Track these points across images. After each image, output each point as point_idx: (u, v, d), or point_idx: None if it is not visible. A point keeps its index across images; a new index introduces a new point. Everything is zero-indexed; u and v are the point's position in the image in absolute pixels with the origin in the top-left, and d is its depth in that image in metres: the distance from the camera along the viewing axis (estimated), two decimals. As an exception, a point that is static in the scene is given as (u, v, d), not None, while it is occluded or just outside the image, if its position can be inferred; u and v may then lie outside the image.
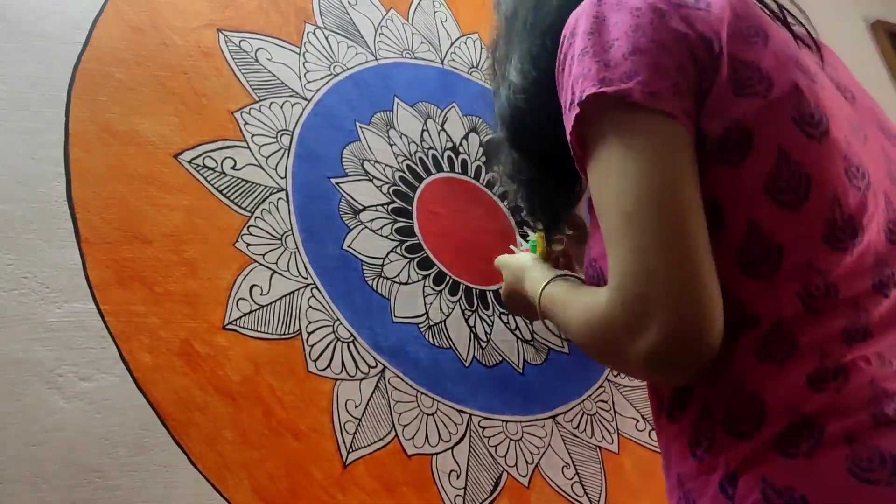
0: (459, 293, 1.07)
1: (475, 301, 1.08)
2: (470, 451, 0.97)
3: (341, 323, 0.95)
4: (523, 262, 0.92)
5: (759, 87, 0.59)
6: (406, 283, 1.03)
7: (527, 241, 1.06)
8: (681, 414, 0.62)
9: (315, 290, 0.95)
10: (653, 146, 0.56)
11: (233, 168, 0.96)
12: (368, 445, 0.91)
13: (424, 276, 1.05)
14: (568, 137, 0.61)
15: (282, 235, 0.96)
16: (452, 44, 1.26)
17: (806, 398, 0.53)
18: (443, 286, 1.06)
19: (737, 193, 0.57)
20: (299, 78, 1.07)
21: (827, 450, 0.50)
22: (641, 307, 0.54)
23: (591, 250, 0.69)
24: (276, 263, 0.94)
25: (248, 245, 0.93)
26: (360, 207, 1.04)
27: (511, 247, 1.09)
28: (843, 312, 0.55)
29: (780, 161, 0.57)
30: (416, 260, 1.06)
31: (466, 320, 1.06)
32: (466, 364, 1.03)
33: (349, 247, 1.01)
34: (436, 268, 1.07)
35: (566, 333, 0.80)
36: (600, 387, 1.13)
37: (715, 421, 0.58)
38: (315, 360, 0.91)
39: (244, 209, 0.94)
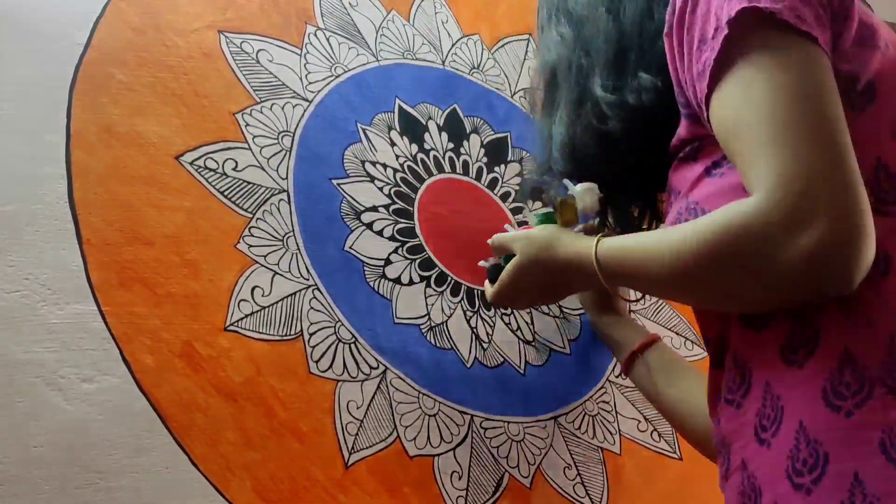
0: (461, 294, 1.07)
1: (476, 302, 1.08)
2: (472, 452, 0.97)
3: (343, 324, 0.95)
4: (550, 232, 0.85)
5: (878, 42, 0.61)
6: (408, 285, 1.03)
7: (535, 217, 0.95)
8: (805, 357, 0.59)
9: (316, 292, 0.95)
10: (804, 64, 0.57)
11: (234, 169, 0.96)
12: (370, 446, 0.90)
13: (426, 278, 1.05)
14: (702, 75, 0.61)
15: (283, 237, 0.96)
16: (454, 45, 1.26)
17: None
18: (444, 287, 1.06)
19: (862, 134, 0.58)
20: (300, 79, 1.07)
21: None
22: (807, 202, 0.53)
23: (691, 195, 0.68)
24: (278, 265, 0.94)
25: (250, 246, 0.93)
26: (362, 209, 1.04)
27: (506, 226, 1.01)
28: None
29: None
30: (418, 261, 1.06)
31: (468, 321, 1.06)
32: (468, 365, 1.03)
33: (350, 248, 1.01)
34: (437, 269, 1.07)
35: (654, 276, 0.68)
36: (602, 388, 1.13)
37: (866, 373, 0.55)
38: (317, 362, 0.91)
39: (245, 210, 0.94)
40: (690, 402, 0.89)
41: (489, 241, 0.97)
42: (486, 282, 0.99)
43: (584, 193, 0.86)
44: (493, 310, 1.09)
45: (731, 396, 0.66)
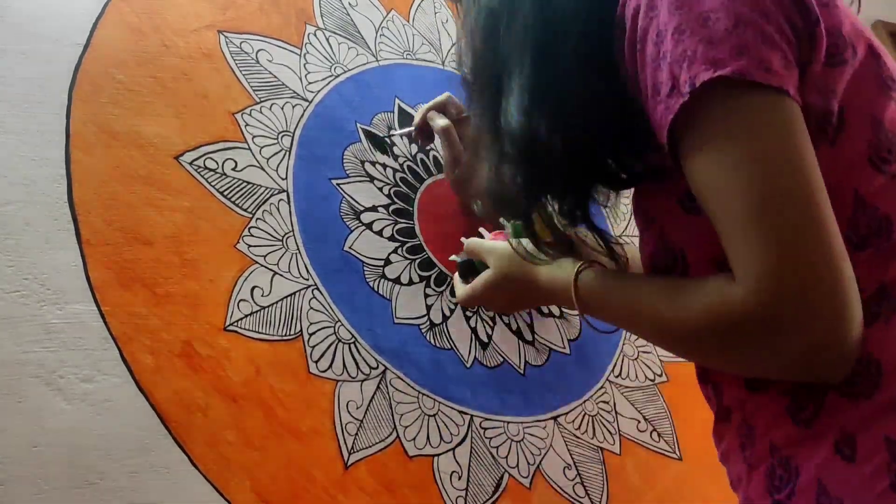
0: (460, 294, 1.07)
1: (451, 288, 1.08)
2: (471, 452, 0.97)
3: (342, 324, 0.95)
4: (523, 250, 0.82)
5: (846, 53, 0.56)
6: (407, 285, 1.03)
7: (511, 226, 0.93)
8: (768, 382, 0.60)
9: (316, 292, 0.95)
10: (778, 127, 0.52)
11: (234, 169, 0.96)
12: (370, 447, 0.90)
13: (425, 278, 1.05)
14: (661, 125, 0.56)
15: (283, 237, 0.96)
16: (453, 45, 1.26)
17: None
18: (444, 287, 1.06)
19: (838, 168, 0.55)
20: (300, 79, 1.07)
21: None
22: (798, 305, 0.50)
23: (667, 230, 0.65)
24: (277, 265, 0.94)
25: (249, 246, 0.93)
26: (361, 209, 1.04)
27: (481, 230, 1.00)
28: None
29: (875, 128, 0.56)
30: (417, 261, 1.06)
31: (467, 321, 1.06)
32: (468, 365, 1.03)
33: (350, 248, 1.01)
34: (437, 269, 1.07)
35: (633, 327, 0.69)
36: (601, 388, 1.13)
37: (822, 385, 0.55)
38: (316, 362, 0.91)
39: (245, 210, 0.94)
40: None
41: (463, 239, 0.96)
42: (456, 275, 0.99)
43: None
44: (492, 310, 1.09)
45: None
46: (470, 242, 0.94)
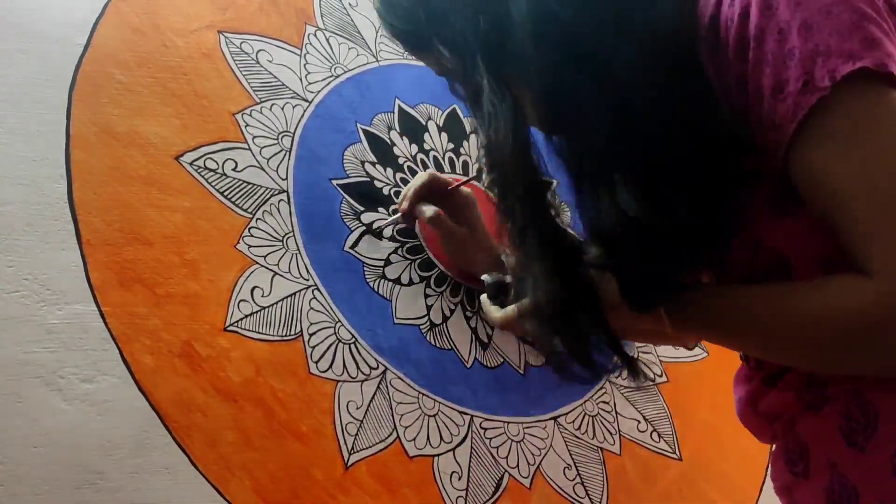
0: (461, 294, 1.07)
1: (476, 303, 1.08)
2: (471, 452, 0.97)
3: (342, 324, 0.95)
4: None
5: None
6: (407, 285, 1.03)
7: None
8: (824, 404, 0.61)
9: (316, 292, 0.95)
10: None
11: (234, 169, 0.96)
12: (370, 447, 0.90)
13: (426, 278, 1.05)
14: (783, 122, 0.54)
15: (283, 237, 0.96)
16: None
17: None
18: (444, 287, 1.06)
19: None
20: (300, 79, 1.07)
21: None
22: None
23: (765, 241, 0.63)
24: (278, 265, 0.94)
25: (250, 247, 0.93)
26: (362, 209, 1.04)
27: (380, 227, 1.00)
28: None
29: None
30: (418, 261, 1.06)
31: (468, 321, 1.06)
32: (468, 365, 1.03)
33: (350, 248, 1.01)
34: (437, 269, 1.07)
35: (738, 338, 0.66)
36: (602, 388, 1.13)
37: (873, 410, 0.57)
38: (316, 362, 0.91)
39: (245, 211, 0.94)
40: None
41: (504, 257, 0.95)
42: (485, 297, 0.94)
43: None
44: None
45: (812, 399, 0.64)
46: (513, 263, 0.87)
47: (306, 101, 1.06)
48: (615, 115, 0.59)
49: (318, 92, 1.08)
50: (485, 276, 0.96)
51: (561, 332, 0.70)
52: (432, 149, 1.16)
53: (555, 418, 1.06)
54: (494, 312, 0.89)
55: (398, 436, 0.93)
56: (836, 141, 0.53)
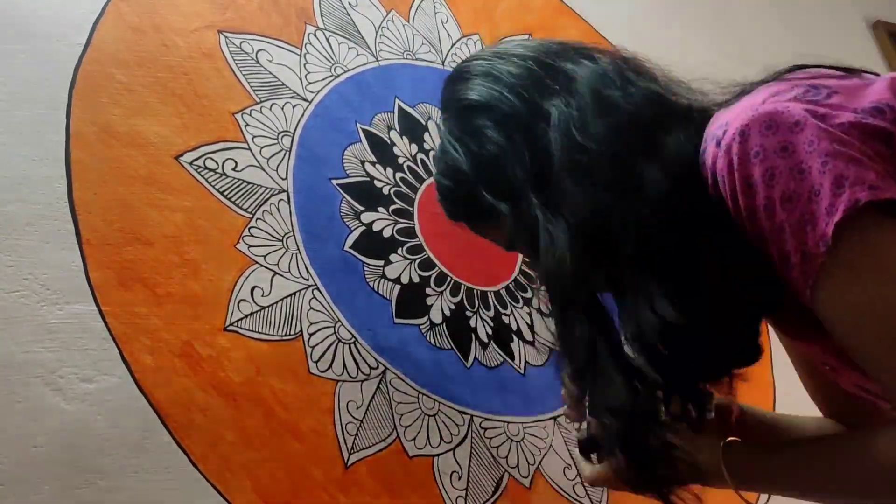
0: (461, 294, 1.07)
1: (476, 302, 1.08)
2: (471, 452, 0.97)
3: (342, 324, 0.95)
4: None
5: None
6: (407, 285, 1.03)
7: None
8: None
9: (316, 292, 0.95)
10: None
11: (234, 169, 0.96)
12: (370, 446, 0.90)
13: (426, 278, 1.05)
14: (802, 288, 0.58)
15: (283, 237, 0.96)
16: (453, 45, 1.26)
17: None
18: (444, 287, 1.06)
19: None
20: (300, 79, 1.07)
21: None
22: None
23: (854, 376, 0.67)
24: (278, 265, 0.94)
25: (250, 246, 0.93)
26: (362, 209, 1.04)
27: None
28: None
29: None
30: (418, 261, 1.06)
31: (467, 321, 1.06)
32: (468, 365, 1.03)
33: (350, 248, 1.01)
34: (437, 269, 1.07)
35: (807, 492, 0.70)
36: (602, 388, 1.13)
37: None
38: (316, 362, 0.91)
39: (245, 210, 0.94)
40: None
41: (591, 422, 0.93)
42: (577, 452, 0.94)
43: None
44: (492, 309, 1.09)
45: None
46: (595, 424, 0.90)
47: (306, 100, 1.06)
48: (649, 230, 0.64)
49: (318, 92, 1.08)
50: (577, 435, 0.96)
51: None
52: (432, 148, 1.16)
53: (555, 418, 1.06)
54: (587, 469, 0.91)
55: (398, 435, 0.93)
56: (845, 290, 0.56)
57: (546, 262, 0.68)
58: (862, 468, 0.61)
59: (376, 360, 0.96)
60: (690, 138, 0.65)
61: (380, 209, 1.06)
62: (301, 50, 1.09)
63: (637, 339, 0.68)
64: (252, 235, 0.93)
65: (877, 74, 0.65)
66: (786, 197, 0.56)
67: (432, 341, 1.01)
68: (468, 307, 1.07)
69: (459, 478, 0.95)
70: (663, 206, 0.64)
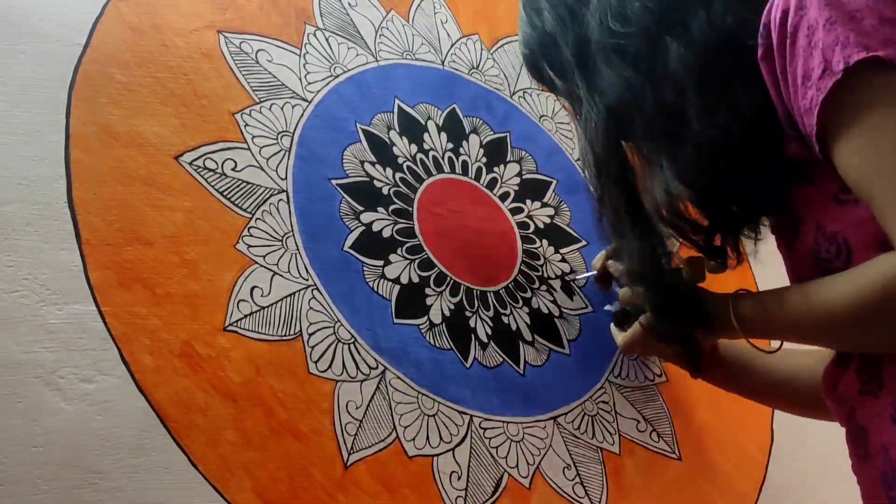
0: (460, 294, 1.07)
1: (476, 302, 1.08)
2: (471, 452, 0.97)
3: (342, 324, 0.95)
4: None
5: None
6: (407, 285, 1.03)
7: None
8: (879, 391, 0.66)
9: (316, 292, 0.95)
10: None
11: (233, 169, 0.96)
12: (369, 447, 0.90)
13: (425, 278, 1.05)
14: (810, 108, 0.61)
15: (282, 237, 0.96)
16: (453, 45, 1.26)
17: None
18: (444, 287, 1.06)
19: None
20: (300, 79, 1.07)
21: None
22: None
23: (825, 223, 0.69)
24: (277, 265, 0.94)
25: (249, 246, 0.93)
26: (361, 209, 1.04)
27: (576, 279, 1.13)
28: None
29: None
30: (417, 261, 1.06)
31: (467, 321, 1.06)
32: (467, 365, 1.03)
33: (350, 248, 1.01)
34: (436, 269, 1.07)
35: (801, 330, 0.74)
36: (601, 388, 1.13)
37: None
38: (316, 362, 0.91)
39: (245, 210, 0.94)
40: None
41: (617, 288, 1.04)
42: (613, 326, 1.09)
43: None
44: (492, 310, 1.09)
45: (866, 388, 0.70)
46: (625, 292, 1.01)
47: (306, 100, 1.06)
48: (670, 108, 0.71)
49: (318, 92, 1.08)
50: (608, 307, 1.09)
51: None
52: (432, 148, 1.16)
53: (554, 418, 1.06)
54: (619, 337, 1.03)
55: (398, 436, 0.93)
56: (854, 126, 0.59)
57: (585, 138, 0.79)
58: (856, 288, 0.63)
59: (376, 360, 0.96)
60: (732, 9, 0.68)
61: (379, 209, 1.06)
62: (301, 50, 1.09)
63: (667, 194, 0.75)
64: (251, 235, 0.93)
65: None
66: (831, 21, 0.59)
67: (432, 341, 1.01)
68: (468, 307, 1.07)
69: (459, 478, 0.95)
70: (685, 81, 0.69)
